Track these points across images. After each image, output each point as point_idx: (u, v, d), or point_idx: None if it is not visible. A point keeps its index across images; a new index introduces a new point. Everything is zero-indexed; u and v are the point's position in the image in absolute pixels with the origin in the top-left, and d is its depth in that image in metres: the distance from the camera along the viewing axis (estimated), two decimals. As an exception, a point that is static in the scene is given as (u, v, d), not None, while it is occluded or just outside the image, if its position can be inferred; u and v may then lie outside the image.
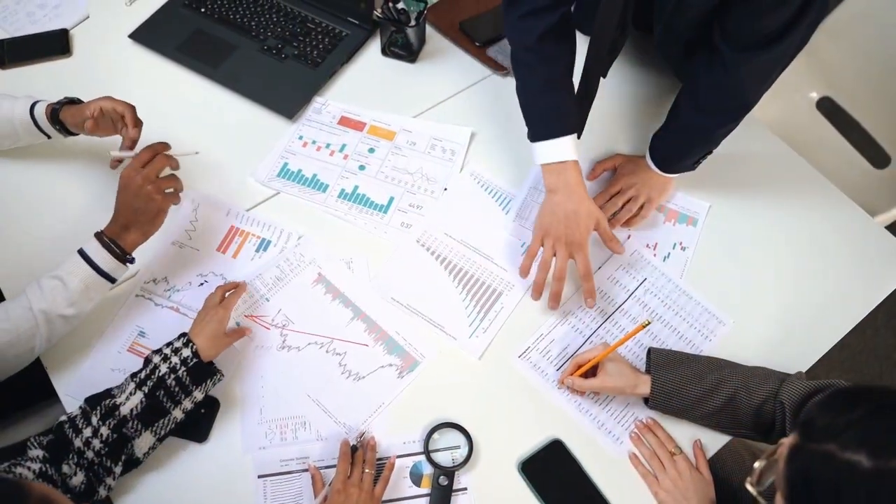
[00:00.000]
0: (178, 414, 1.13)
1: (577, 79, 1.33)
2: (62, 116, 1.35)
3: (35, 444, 1.05)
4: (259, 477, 1.18)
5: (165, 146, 1.26)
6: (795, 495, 0.76)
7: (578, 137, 1.31)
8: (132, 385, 1.11)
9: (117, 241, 1.20)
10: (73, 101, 1.37)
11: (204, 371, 1.15)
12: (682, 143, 1.36)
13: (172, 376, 1.12)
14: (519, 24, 1.26)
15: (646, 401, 1.23)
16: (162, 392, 1.11)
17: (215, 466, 1.19)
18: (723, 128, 1.31)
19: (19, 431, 1.34)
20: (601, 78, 1.37)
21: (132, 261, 1.23)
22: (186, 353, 1.14)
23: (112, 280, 1.22)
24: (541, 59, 1.27)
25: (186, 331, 1.19)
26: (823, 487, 0.72)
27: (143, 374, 1.12)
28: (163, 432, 1.12)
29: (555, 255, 1.29)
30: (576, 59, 1.31)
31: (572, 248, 1.27)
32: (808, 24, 1.11)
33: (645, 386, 1.19)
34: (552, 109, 1.29)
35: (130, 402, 1.09)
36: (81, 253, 1.20)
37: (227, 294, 1.26)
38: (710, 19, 1.21)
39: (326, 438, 1.21)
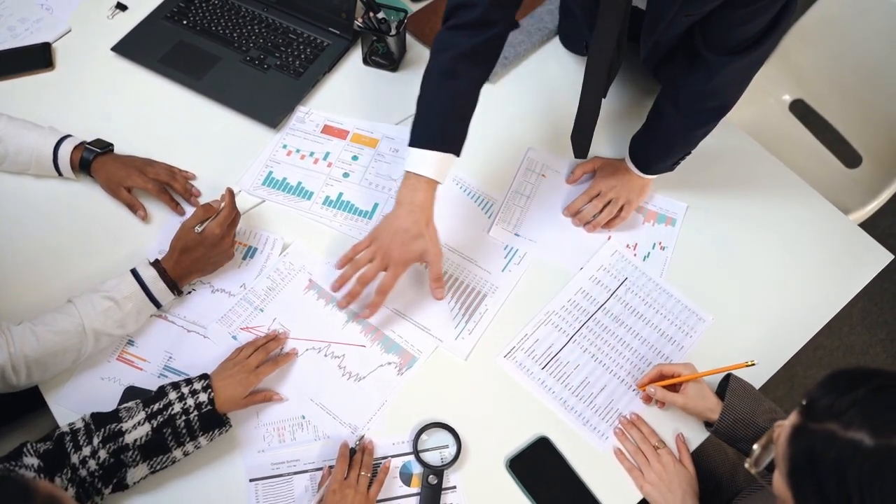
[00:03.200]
0: (178, 455, 1.13)
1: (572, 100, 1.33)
2: (94, 173, 1.41)
3: (31, 451, 1.04)
4: (251, 481, 1.19)
5: (233, 194, 1.31)
6: (798, 474, 0.76)
7: (459, 155, 1.29)
8: (142, 414, 1.10)
9: (178, 283, 1.28)
10: (104, 145, 1.42)
11: (215, 420, 1.14)
12: (662, 145, 1.39)
13: (183, 418, 1.11)
14: (446, 34, 1.25)
15: (706, 426, 1.25)
16: (169, 431, 1.10)
17: (206, 471, 1.19)
18: (702, 128, 1.35)
19: (6, 444, 1.34)
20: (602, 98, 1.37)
21: (181, 293, 1.31)
22: (203, 398, 1.14)
23: (159, 305, 1.27)
24: (450, 74, 1.25)
25: (209, 372, 1.19)
26: (827, 466, 0.73)
27: (155, 407, 1.11)
28: (158, 467, 1.12)
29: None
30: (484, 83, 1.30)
31: (388, 262, 1.24)
32: (783, 29, 1.15)
33: (716, 412, 1.20)
34: (440, 123, 1.27)
35: (136, 433, 1.09)
36: (136, 276, 1.23)
37: (264, 358, 1.25)
38: (693, 28, 1.24)
39: (329, 437, 1.23)
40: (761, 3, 1.09)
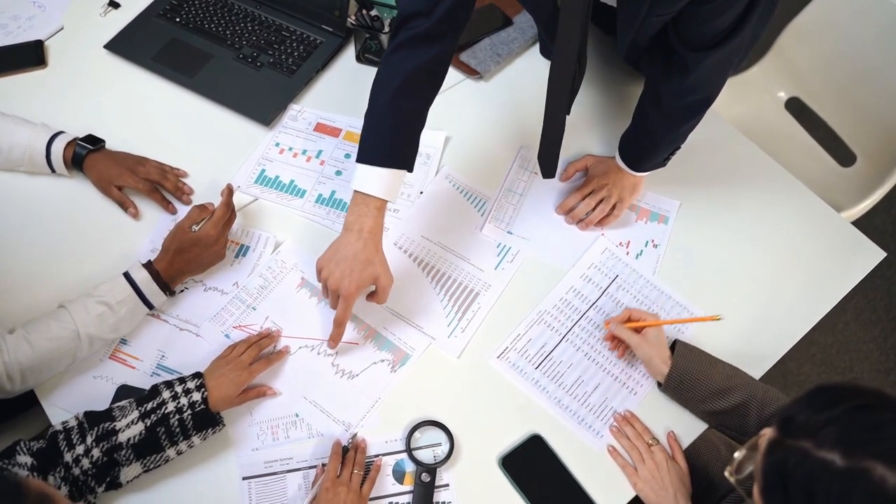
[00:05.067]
0: (171, 454, 1.13)
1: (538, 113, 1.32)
2: (86, 170, 1.41)
3: (24, 449, 1.04)
4: (244, 479, 1.19)
5: (231, 192, 1.31)
6: (770, 488, 0.77)
7: (411, 170, 1.26)
8: (136, 413, 1.10)
9: (170, 284, 1.27)
10: (96, 141, 1.42)
11: (208, 419, 1.14)
12: (649, 143, 1.39)
13: (177, 417, 1.11)
14: (399, 51, 1.21)
15: (659, 385, 1.27)
16: (163, 430, 1.10)
17: (200, 469, 1.20)
18: (687, 124, 1.34)
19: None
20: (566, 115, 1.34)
21: (173, 294, 1.30)
22: (197, 397, 1.14)
23: (151, 307, 1.27)
24: (403, 92, 1.21)
25: (201, 371, 1.19)
26: (797, 483, 0.73)
27: (148, 406, 1.11)
28: (152, 466, 1.12)
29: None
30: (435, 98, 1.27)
31: (339, 292, 1.21)
32: (757, 20, 1.15)
33: (666, 368, 1.23)
34: (392, 139, 1.23)
35: (130, 431, 1.09)
36: (129, 279, 1.23)
37: (256, 355, 1.25)
38: (666, 26, 1.24)
39: (322, 435, 1.23)
40: None
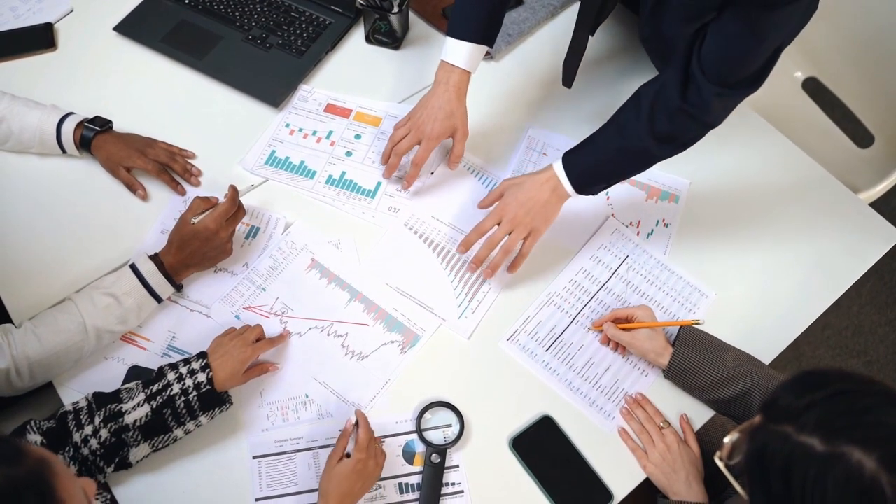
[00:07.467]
0: (179, 434, 1.13)
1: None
2: (95, 151, 1.40)
3: (35, 428, 1.05)
4: (254, 458, 1.19)
5: (236, 191, 1.29)
6: (751, 471, 0.77)
7: (491, 49, 1.40)
8: (142, 396, 1.11)
9: (174, 277, 1.26)
10: (103, 122, 1.42)
11: (215, 399, 1.14)
12: (617, 162, 1.28)
13: (182, 398, 1.12)
14: None
15: (664, 372, 1.26)
16: (169, 411, 1.11)
17: (210, 449, 1.20)
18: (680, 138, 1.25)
19: (13, 422, 1.35)
20: (590, 36, 1.44)
21: (181, 288, 1.30)
22: (202, 378, 1.13)
23: (160, 300, 1.26)
24: None
25: (205, 350, 1.19)
26: (776, 466, 0.73)
27: (154, 388, 1.11)
28: (160, 446, 1.12)
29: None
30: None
31: (421, 136, 1.35)
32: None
33: (667, 357, 1.23)
34: (475, 14, 1.34)
35: (136, 413, 1.09)
36: (135, 271, 1.23)
37: (260, 333, 1.24)
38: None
39: (332, 416, 1.23)
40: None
